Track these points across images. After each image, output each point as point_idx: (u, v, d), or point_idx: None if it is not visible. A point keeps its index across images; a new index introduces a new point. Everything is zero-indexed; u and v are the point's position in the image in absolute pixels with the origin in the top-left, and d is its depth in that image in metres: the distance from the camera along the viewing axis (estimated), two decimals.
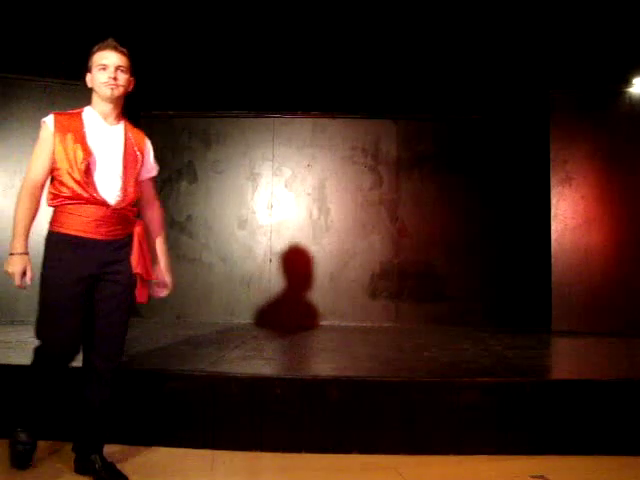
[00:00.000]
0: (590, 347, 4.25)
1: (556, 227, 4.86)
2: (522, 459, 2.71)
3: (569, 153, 4.87)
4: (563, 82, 4.97)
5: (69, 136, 2.26)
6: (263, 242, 5.39)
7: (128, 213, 2.36)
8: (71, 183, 2.23)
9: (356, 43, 5.33)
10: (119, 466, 2.36)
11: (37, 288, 2.29)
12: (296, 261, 5.34)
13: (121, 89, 2.31)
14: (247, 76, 5.37)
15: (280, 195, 5.43)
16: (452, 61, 5.36)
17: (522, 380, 2.91)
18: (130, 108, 2.51)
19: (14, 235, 2.24)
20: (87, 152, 2.25)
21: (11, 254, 2.23)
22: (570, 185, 4.86)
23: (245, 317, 5.29)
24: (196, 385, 2.85)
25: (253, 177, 5.45)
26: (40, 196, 2.29)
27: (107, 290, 2.31)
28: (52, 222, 2.30)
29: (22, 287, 2.25)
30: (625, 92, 4.83)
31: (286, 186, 5.43)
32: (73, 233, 2.25)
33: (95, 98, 2.35)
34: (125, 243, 2.35)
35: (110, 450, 2.40)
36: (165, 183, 5.31)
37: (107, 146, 2.32)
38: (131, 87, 2.39)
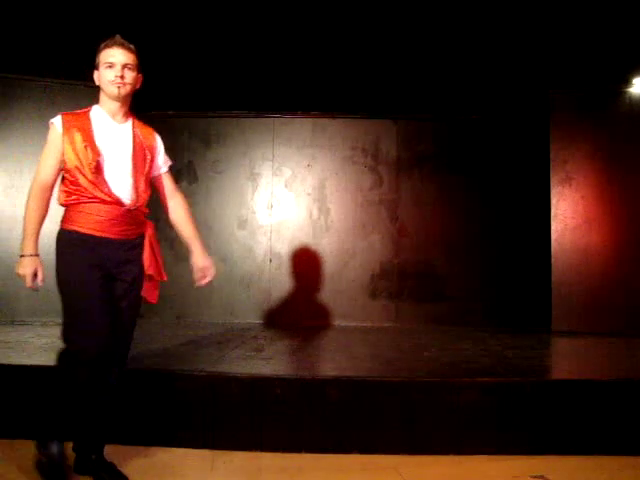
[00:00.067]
0: (590, 347, 4.24)
1: (556, 227, 4.86)
2: (522, 459, 2.70)
3: (569, 153, 4.87)
4: (563, 82, 4.97)
5: (77, 135, 2.24)
6: (263, 242, 5.39)
7: (140, 214, 2.35)
8: (84, 182, 2.22)
9: (356, 43, 5.34)
10: (119, 466, 2.36)
11: (31, 288, 2.25)
12: (296, 261, 5.34)
13: (128, 87, 2.29)
14: (247, 76, 5.37)
15: (280, 195, 5.43)
16: (452, 61, 5.37)
17: (522, 380, 2.91)
18: (130, 108, 2.51)
19: (24, 237, 2.22)
20: (96, 151, 2.23)
21: (22, 256, 2.21)
22: (570, 185, 4.86)
23: (245, 317, 5.29)
24: (196, 385, 2.85)
25: (253, 177, 5.45)
26: (50, 197, 2.28)
27: (119, 290, 2.30)
28: (64, 220, 2.28)
29: (34, 289, 2.23)
30: (625, 92, 4.83)
31: (286, 186, 5.43)
32: (88, 232, 2.23)
33: (102, 96, 2.33)
34: (137, 244, 2.35)
35: (110, 450, 2.40)
36: None
37: (116, 144, 2.30)
38: (139, 84, 2.36)
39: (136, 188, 2.32)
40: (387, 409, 2.80)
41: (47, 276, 2.25)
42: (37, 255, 2.22)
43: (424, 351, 3.83)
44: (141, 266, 2.34)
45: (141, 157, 2.36)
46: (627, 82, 4.82)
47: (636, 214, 4.72)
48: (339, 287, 5.32)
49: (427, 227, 5.36)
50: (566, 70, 5.05)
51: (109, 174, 2.26)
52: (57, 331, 4.16)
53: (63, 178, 2.29)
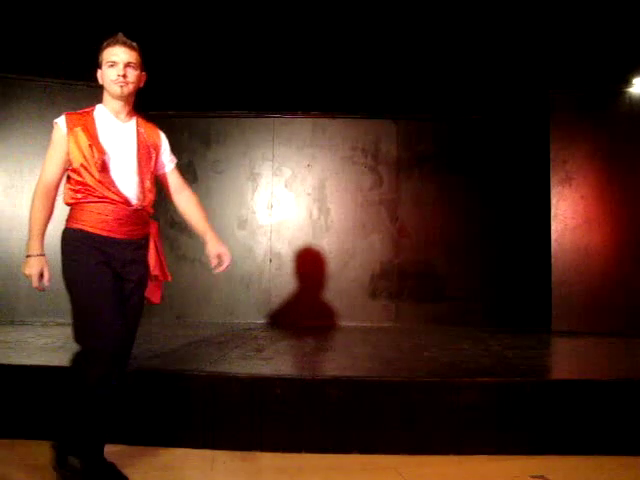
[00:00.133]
0: (590, 347, 4.24)
1: (556, 227, 4.86)
2: (522, 459, 2.70)
3: (569, 153, 4.87)
4: (563, 82, 4.97)
5: (82, 135, 2.24)
6: (263, 242, 5.39)
7: (146, 214, 2.36)
8: (92, 182, 2.21)
9: (356, 43, 5.34)
10: (119, 466, 2.36)
11: (37, 288, 2.25)
12: (296, 261, 5.34)
13: (131, 86, 2.28)
14: (247, 76, 5.37)
15: (280, 195, 5.43)
16: (452, 61, 5.37)
17: (522, 380, 2.91)
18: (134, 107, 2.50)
19: (30, 237, 2.21)
20: (101, 150, 2.23)
21: (28, 256, 2.20)
22: (570, 185, 4.86)
23: (245, 317, 5.29)
24: (196, 385, 2.85)
25: (253, 177, 5.44)
26: (55, 197, 2.27)
27: (125, 290, 2.29)
28: (69, 219, 2.28)
29: (40, 289, 2.22)
30: (625, 92, 4.83)
31: (286, 186, 5.43)
32: (94, 231, 2.22)
33: (106, 95, 2.32)
34: (143, 244, 2.35)
35: (110, 450, 2.40)
36: None
37: (120, 143, 2.30)
38: (143, 83, 2.35)
39: (142, 187, 2.32)
40: (387, 409, 2.80)
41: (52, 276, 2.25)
42: (43, 255, 2.22)
43: (424, 351, 3.83)
44: (147, 266, 2.35)
45: (146, 155, 2.36)
46: (627, 82, 4.82)
47: (636, 214, 4.72)
48: (339, 287, 5.31)
49: (427, 227, 5.36)
50: (566, 70, 5.05)
51: (115, 173, 2.26)
52: (57, 331, 4.17)
53: (69, 177, 2.29)
